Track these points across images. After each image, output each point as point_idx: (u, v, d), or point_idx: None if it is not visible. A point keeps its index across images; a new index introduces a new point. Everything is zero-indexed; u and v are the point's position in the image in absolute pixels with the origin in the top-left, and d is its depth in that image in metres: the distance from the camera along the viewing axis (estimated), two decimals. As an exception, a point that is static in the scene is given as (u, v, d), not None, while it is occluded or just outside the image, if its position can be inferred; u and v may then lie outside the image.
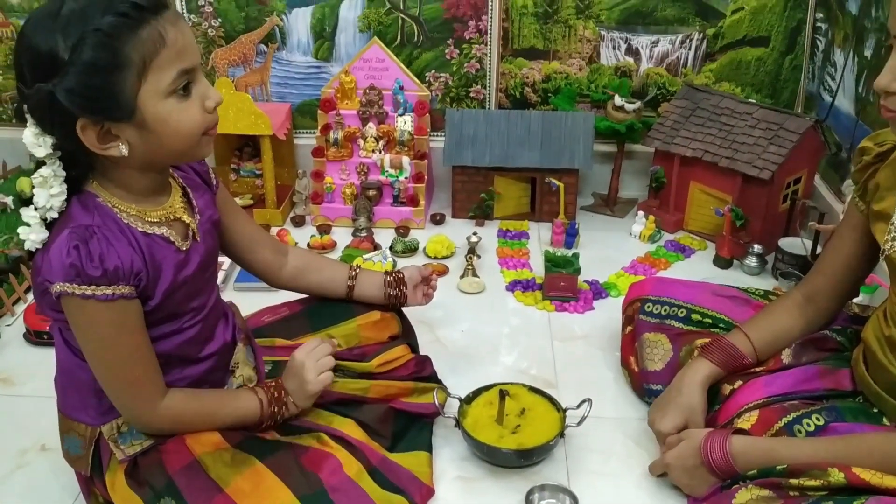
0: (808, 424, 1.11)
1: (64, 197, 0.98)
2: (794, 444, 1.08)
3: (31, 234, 0.97)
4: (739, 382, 1.25)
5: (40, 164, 0.97)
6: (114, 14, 0.90)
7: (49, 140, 0.95)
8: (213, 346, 1.15)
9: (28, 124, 0.95)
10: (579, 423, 1.28)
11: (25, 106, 0.94)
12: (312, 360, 1.16)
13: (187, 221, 1.08)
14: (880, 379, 1.11)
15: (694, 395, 1.24)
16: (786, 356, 1.26)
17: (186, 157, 1.07)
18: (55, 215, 0.98)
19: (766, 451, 1.07)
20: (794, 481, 0.99)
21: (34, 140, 0.95)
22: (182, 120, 0.97)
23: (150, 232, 1.03)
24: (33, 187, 0.97)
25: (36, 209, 0.97)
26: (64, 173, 0.98)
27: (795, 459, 1.03)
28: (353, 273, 1.36)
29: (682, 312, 1.39)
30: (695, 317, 1.38)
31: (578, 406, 1.30)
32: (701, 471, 1.12)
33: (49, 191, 0.97)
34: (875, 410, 1.12)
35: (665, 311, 1.40)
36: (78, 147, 0.95)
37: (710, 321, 1.37)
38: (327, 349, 1.18)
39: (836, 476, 0.97)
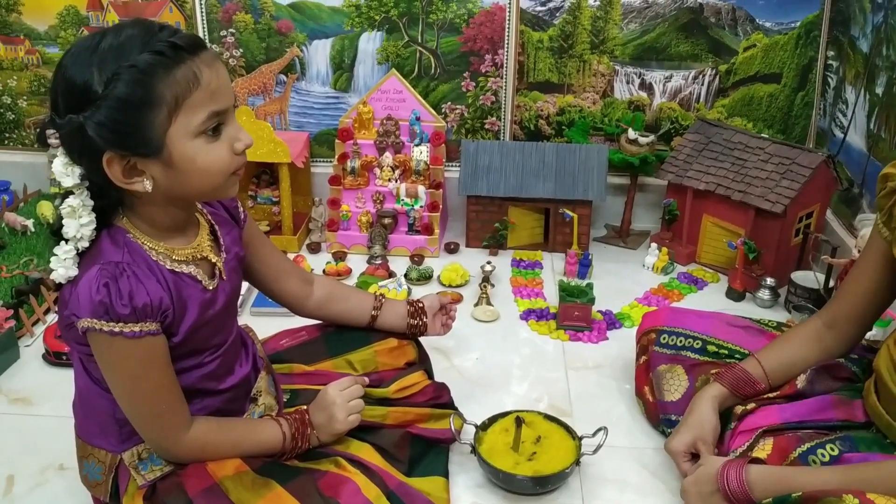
0: (823, 455, 1.12)
1: (94, 226, 0.98)
2: (809, 471, 1.08)
3: (62, 269, 0.98)
4: (752, 405, 1.26)
5: (68, 193, 0.98)
6: (150, 52, 0.91)
7: (77, 170, 0.96)
8: (232, 380, 1.16)
9: (58, 154, 0.96)
10: (595, 452, 1.29)
11: (57, 135, 0.95)
12: (344, 400, 1.18)
13: (213, 260, 1.09)
14: (892, 409, 1.12)
15: (703, 413, 1.25)
16: (800, 381, 1.27)
17: (210, 196, 1.08)
18: (86, 244, 0.98)
19: (783, 478, 1.07)
20: None
21: (63, 170, 0.95)
22: (209, 160, 0.97)
23: (177, 270, 1.04)
24: (62, 218, 0.98)
25: (67, 241, 0.97)
26: (92, 203, 0.98)
27: (811, 486, 1.02)
28: (378, 304, 1.37)
29: (697, 344, 1.40)
30: (710, 348, 1.39)
31: (594, 434, 1.30)
32: (716, 497, 1.12)
33: (79, 220, 0.97)
34: (888, 441, 1.12)
35: (680, 342, 1.41)
36: (104, 180, 0.96)
37: (725, 352, 1.38)
38: (359, 391, 1.20)
39: (852, 502, 0.96)
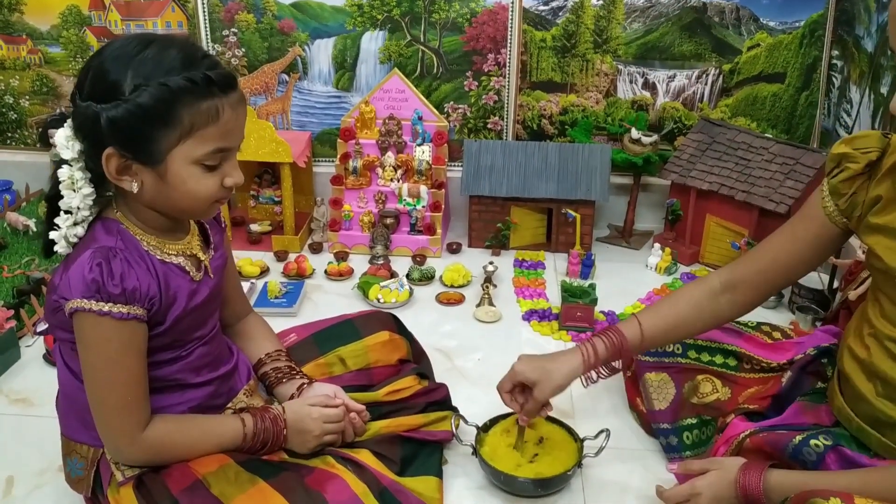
0: (817, 446, 1.10)
1: (94, 196, 1.02)
2: (827, 477, 1.05)
3: (63, 241, 1.02)
4: (732, 416, 1.26)
5: (60, 165, 1.01)
6: (185, 78, 0.95)
7: (77, 146, 1.00)
8: (211, 373, 1.17)
9: (65, 125, 1.00)
10: (597, 454, 1.28)
11: (71, 114, 1.00)
12: (320, 427, 1.18)
13: (202, 258, 1.13)
14: (861, 411, 1.09)
15: (556, 372, 1.22)
16: (786, 378, 1.26)
17: (187, 215, 1.11)
18: (86, 214, 1.02)
19: (801, 484, 1.03)
20: None
21: (64, 142, 0.99)
22: (197, 187, 1.02)
23: (167, 261, 1.07)
24: (57, 185, 1.01)
25: (67, 212, 1.01)
26: (89, 175, 1.01)
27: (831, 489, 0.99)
28: (275, 365, 1.28)
29: (678, 349, 1.39)
30: (691, 353, 1.37)
31: (596, 436, 1.30)
32: (733, 502, 1.09)
33: (81, 191, 1.01)
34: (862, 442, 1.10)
35: (660, 347, 1.39)
36: (98, 168, 0.99)
37: (707, 354, 1.36)
38: (339, 426, 1.20)
39: None
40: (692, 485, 1.13)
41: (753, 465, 1.09)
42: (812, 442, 1.10)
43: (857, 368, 1.10)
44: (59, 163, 1.01)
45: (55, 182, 1.01)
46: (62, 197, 1.01)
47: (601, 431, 1.30)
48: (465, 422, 1.33)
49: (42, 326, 1.70)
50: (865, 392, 1.08)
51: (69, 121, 1.00)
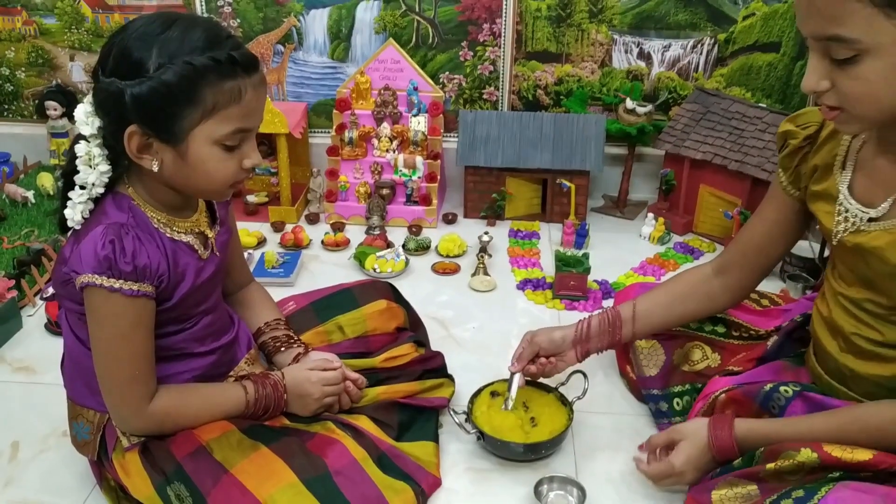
0: (786, 391, 1.14)
1: (110, 174, 1.04)
2: (792, 422, 1.10)
3: (77, 216, 1.03)
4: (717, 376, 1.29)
5: (79, 138, 1.02)
6: (210, 58, 0.96)
7: (97, 122, 1.01)
8: (215, 343, 1.19)
9: (84, 101, 1.01)
10: (582, 395, 1.35)
11: (92, 90, 1.01)
12: (320, 393, 1.21)
13: (209, 235, 1.15)
14: (829, 369, 1.15)
15: (558, 332, 1.33)
16: (771, 342, 1.30)
17: (203, 196, 1.14)
18: (101, 191, 1.04)
19: (767, 431, 1.09)
20: (770, 466, 1.02)
21: (84, 117, 1.01)
22: (217, 169, 1.03)
23: (176, 238, 1.09)
24: (74, 160, 1.02)
25: (83, 188, 1.02)
26: (106, 152, 1.03)
27: (796, 436, 1.05)
28: (274, 335, 1.30)
29: None
30: None
31: (567, 379, 1.37)
32: (711, 465, 1.13)
33: (98, 168, 1.02)
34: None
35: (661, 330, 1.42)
36: (118, 145, 1.01)
37: (696, 321, 1.38)
38: (338, 388, 1.23)
39: (809, 456, 1.00)
40: (670, 464, 1.15)
41: (719, 421, 1.13)
42: (782, 388, 1.15)
43: (823, 326, 1.16)
44: (77, 138, 1.03)
45: (72, 157, 1.03)
46: (78, 172, 1.03)
47: (574, 373, 1.35)
48: (455, 412, 1.32)
49: (47, 293, 1.72)
50: (831, 350, 1.14)
51: (89, 96, 1.01)
